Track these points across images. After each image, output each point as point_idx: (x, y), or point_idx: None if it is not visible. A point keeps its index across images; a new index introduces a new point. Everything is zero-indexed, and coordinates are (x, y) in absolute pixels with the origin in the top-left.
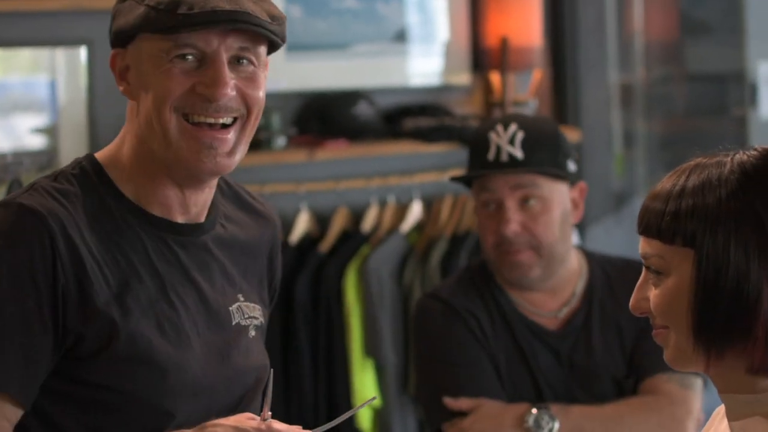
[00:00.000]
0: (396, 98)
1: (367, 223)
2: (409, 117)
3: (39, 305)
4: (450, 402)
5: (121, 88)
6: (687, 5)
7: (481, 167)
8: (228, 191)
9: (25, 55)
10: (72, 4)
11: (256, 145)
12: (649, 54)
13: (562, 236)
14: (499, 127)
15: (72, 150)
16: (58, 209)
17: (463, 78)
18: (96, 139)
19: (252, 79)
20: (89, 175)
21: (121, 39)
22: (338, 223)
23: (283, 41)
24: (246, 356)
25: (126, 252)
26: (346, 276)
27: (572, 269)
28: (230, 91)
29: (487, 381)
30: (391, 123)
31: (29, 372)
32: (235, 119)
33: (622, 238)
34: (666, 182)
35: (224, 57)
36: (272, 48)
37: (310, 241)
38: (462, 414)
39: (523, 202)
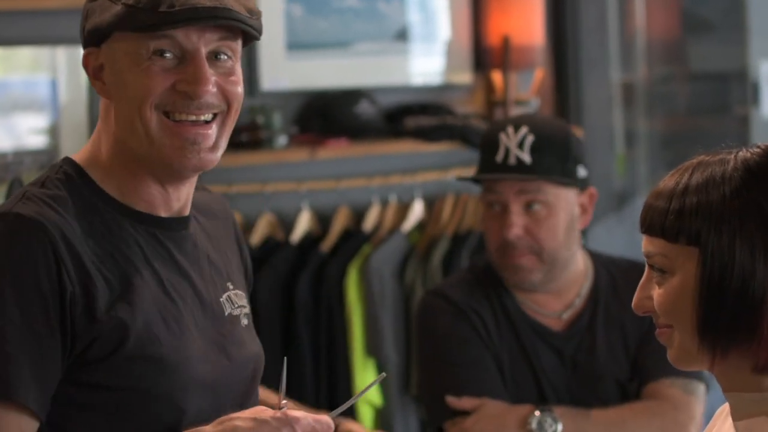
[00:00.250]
0: (397, 97)
1: (369, 223)
2: (410, 116)
3: (47, 315)
4: (452, 401)
5: (95, 88)
6: (689, 4)
7: (489, 169)
8: None
9: (25, 53)
10: (73, 3)
11: (257, 144)
12: (651, 53)
13: (566, 242)
14: (510, 129)
15: (73, 149)
16: (55, 217)
17: (465, 77)
18: None
19: (231, 74)
20: (73, 178)
21: (94, 38)
22: (340, 223)
23: (260, 35)
24: (241, 346)
25: (123, 251)
26: (348, 275)
27: (578, 271)
28: (211, 88)
29: (490, 381)
30: (393, 122)
31: (43, 383)
32: (215, 115)
33: (624, 238)
34: (669, 180)
35: (204, 53)
36: (246, 42)
37: (311, 240)
38: (464, 413)
39: (528, 206)
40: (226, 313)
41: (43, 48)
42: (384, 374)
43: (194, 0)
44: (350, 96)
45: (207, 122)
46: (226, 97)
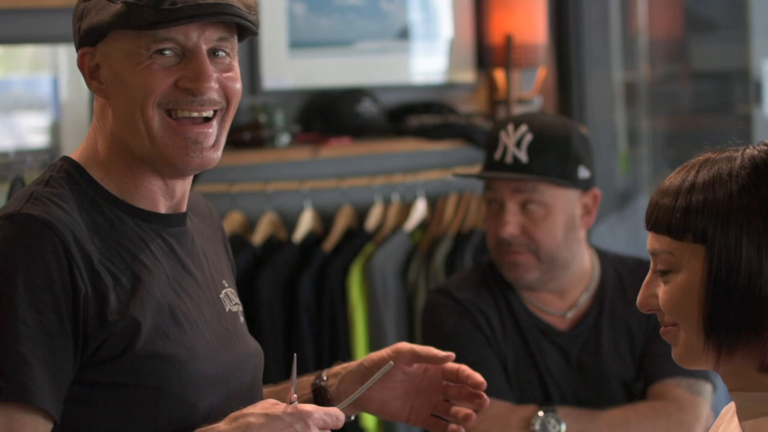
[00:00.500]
0: (400, 96)
1: (372, 222)
2: (413, 115)
3: (60, 316)
4: None
5: (91, 88)
6: (691, 2)
7: (488, 166)
8: None
9: (26, 52)
10: (75, 2)
11: (259, 143)
12: (654, 51)
13: (565, 242)
14: (510, 127)
15: (75, 147)
16: (65, 216)
17: (468, 75)
18: None
19: (229, 70)
20: (74, 176)
21: (90, 38)
22: (342, 222)
23: (258, 30)
24: (244, 342)
25: (128, 248)
26: (351, 274)
27: (584, 270)
28: (214, 84)
29: (495, 380)
30: (396, 121)
31: (57, 385)
32: (215, 112)
33: (627, 236)
34: (675, 178)
35: (204, 49)
36: (242, 38)
37: (314, 239)
38: None
39: (524, 205)
40: (227, 309)
41: (44, 46)
42: (391, 363)
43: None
44: (353, 95)
45: (207, 120)
46: (226, 94)
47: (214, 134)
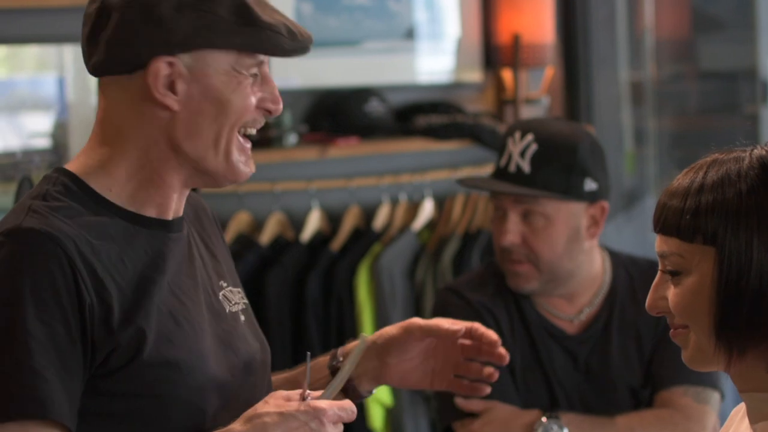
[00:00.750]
0: (407, 95)
1: (379, 221)
2: (420, 114)
3: (68, 328)
4: (461, 402)
5: (156, 96)
6: (698, 2)
7: (493, 173)
8: None
9: (31, 52)
10: (80, 1)
11: (267, 143)
12: (660, 51)
13: (568, 254)
14: (517, 135)
15: (81, 147)
16: (66, 228)
17: (475, 75)
18: None
19: None
20: (72, 189)
21: (178, 48)
22: (350, 221)
23: None
24: (245, 342)
25: (131, 257)
26: (358, 274)
27: (593, 275)
28: None
29: (501, 384)
30: (403, 120)
31: (70, 397)
32: None
33: (633, 236)
34: (683, 179)
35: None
36: None
37: (321, 239)
38: (473, 415)
39: (526, 216)
40: (227, 310)
41: (49, 46)
42: (366, 340)
43: (300, 28)
44: (360, 94)
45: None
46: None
47: None
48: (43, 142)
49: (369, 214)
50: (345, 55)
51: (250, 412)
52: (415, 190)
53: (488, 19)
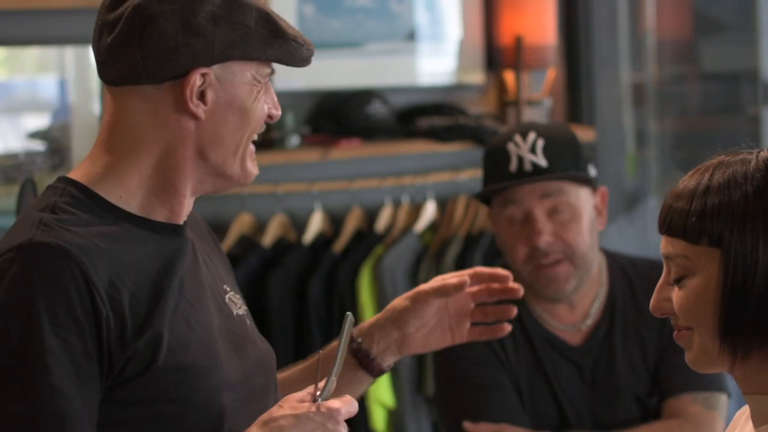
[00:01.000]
0: (410, 97)
1: (381, 223)
2: (423, 116)
3: (84, 342)
4: (470, 427)
5: (188, 108)
6: (700, 3)
7: (504, 180)
8: None
9: (34, 54)
10: (81, 3)
11: (269, 145)
12: (662, 52)
13: (591, 243)
14: (518, 138)
15: (84, 149)
16: (78, 240)
17: (477, 77)
18: None
19: None
20: (80, 199)
21: (214, 61)
22: (352, 223)
23: None
24: (255, 345)
25: (144, 263)
26: (360, 276)
27: (594, 275)
28: None
29: (509, 405)
30: (405, 122)
31: (90, 411)
32: None
33: (635, 238)
34: (689, 181)
35: None
36: None
37: (323, 240)
38: None
39: (552, 211)
40: (234, 313)
41: (51, 48)
42: (351, 318)
43: (305, 37)
44: (362, 96)
45: None
46: None
47: None
48: (46, 144)
49: (371, 215)
50: (347, 57)
51: (265, 416)
52: (417, 191)
53: (490, 21)
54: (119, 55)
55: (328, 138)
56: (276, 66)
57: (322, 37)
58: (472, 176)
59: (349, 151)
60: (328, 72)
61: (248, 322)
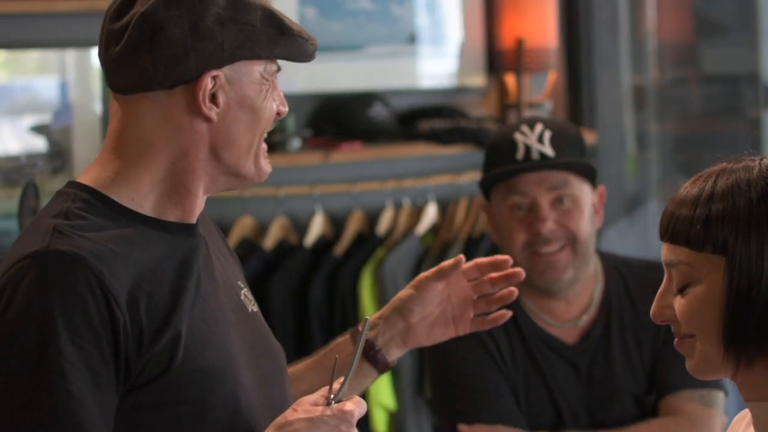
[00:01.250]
0: (411, 100)
1: (382, 226)
2: (424, 119)
3: (101, 349)
4: (465, 429)
5: (201, 111)
6: (701, 6)
7: (512, 168)
8: None
9: (34, 56)
10: (82, 6)
11: (270, 147)
12: (663, 55)
13: (591, 235)
14: (525, 128)
15: (86, 151)
16: (94, 247)
17: (478, 80)
18: None
19: None
20: (93, 203)
21: (224, 61)
22: (353, 226)
23: None
24: (270, 341)
25: (159, 265)
26: (361, 278)
27: (589, 274)
28: None
29: (505, 406)
30: (406, 125)
31: (106, 419)
32: None
33: (636, 240)
34: (691, 187)
35: None
36: None
37: (325, 243)
38: None
39: (556, 201)
40: (249, 310)
41: (52, 51)
42: (369, 320)
43: (309, 33)
44: (364, 99)
45: None
46: None
47: None
48: (48, 146)
49: (372, 218)
50: (348, 60)
51: (279, 419)
52: (418, 194)
53: (491, 24)
54: (129, 63)
55: (330, 141)
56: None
57: (323, 39)
58: (473, 179)
59: (350, 153)
60: (329, 75)
61: (262, 319)
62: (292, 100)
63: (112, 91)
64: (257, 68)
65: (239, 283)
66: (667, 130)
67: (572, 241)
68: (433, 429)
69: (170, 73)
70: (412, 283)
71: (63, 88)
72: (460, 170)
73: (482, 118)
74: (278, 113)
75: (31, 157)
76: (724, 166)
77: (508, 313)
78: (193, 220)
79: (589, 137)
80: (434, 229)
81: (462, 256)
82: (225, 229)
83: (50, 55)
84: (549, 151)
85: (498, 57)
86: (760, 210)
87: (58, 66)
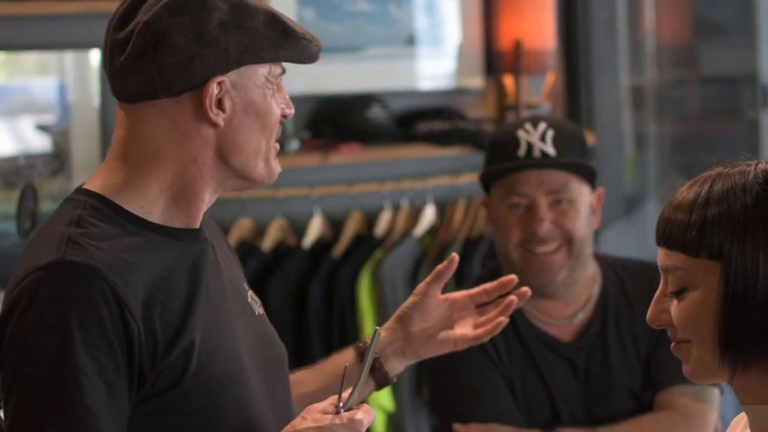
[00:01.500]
0: (409, 101)
1: (381, 227)
2: (422, 120)
3: (115, 361)
4: (460, 428)
5: (207, 117)
6: (699, 7)
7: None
8: None
9: (33, 57)
10: (81, 8)
11: None
12: (661, 56)
13: (588, 236)
14: (528, 126)
15: (84, 153)
16: (108, 257)
17: (477, 81)
18: (108, 142)
19: None
20: (103, 211)
21: (229, 67)
22: (351, 227)
23: None
24: (277, 343)
25: (171, 273)
26: (360, 280)
27: (587, 276)
28: None
29: (502, 404)
30: (405, 126)
31: (119, 429)
32: None
33: (634, 242)
34: (687, 192)
35: None
36: None
37: (323, 245)
38: None
39: (554, 203)
40: (256, 313)
41: (52, 52)
42: (380, 332)
43: (313, 34)
44: (362, 101)
45: None
46: None
47: None
48: (46, 148)
49: (371, 220)
50: (347, 62)
51: (288, 428)
52: (416, 196)
53: (489, 25)
54: (134, 72)
55: (328, 142)
56: None
57: (322, 41)
58: (472, 180)
59: (349, 155)
60: (328, 76)
61: (268, 322)
62: (291, 101)
63: (117, 101)
64: (262, 72)
65: (244, 285)
66: (665, 131)
67: (568, 241)
68: (431, 431)
69: (176, 81)
70: (415, 291)
71: (62, 89)
72: (458, 172)
73: (480, 119)
74: (284, 115)
75: (30, 159)
76: (720, 171)
77: (505, 320)
78: (197, 225)
79: (588, 138)
80: (432, 231)
81: (456, 255)
82: (224, 231)
83: (49, 57)
84: (551, 150)
85: (496, 58)
86: (756, 215)
87: (57, 68)
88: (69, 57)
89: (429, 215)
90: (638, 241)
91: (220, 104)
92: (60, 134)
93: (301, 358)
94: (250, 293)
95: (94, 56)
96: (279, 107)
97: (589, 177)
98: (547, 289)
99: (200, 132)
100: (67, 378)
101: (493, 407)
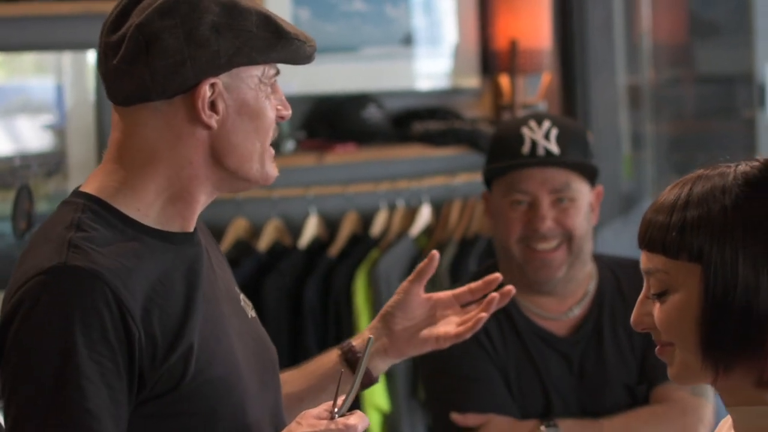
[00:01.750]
0: (405, 102)
1: (377, 227)
2: (418, 120)
3: (116, 365)
4: (458, 418)
5: (201, 120)
6: (695, 6)
7: (515, 161)
8: None
9: (29, 58)
10: (78, 9)
11: None
12: (658, 55)
13: (587, 233)
14: (533, 123)
15: (80, 154)
16: (109, 262)
17: (473, 81)
18: (104, 143)
19: None
20: (101, 214)
21: (222, 69)
22: (347, 227)
23: None
24: (269, 346)
25: (168, 277)
26: (356, 280)
27: (585, 274)
28: None
29: (497, 396)
30: (401, 126)
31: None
32: None
33: (631, 241)
34: (668, 194)
35: None
36: None
37: (319, 245)
38: (470, 429)
39: (556, 201)
40: (249, 316)
41: (48, 53)
42: (372, 338)
43: (307, 35)
44: (358, 101)
45: None
46: None
47: None
48: (42, 148)
49: (366, 220)
50: (342, 62)
51: None
52: (412, 196)
53: (485, 25)
54: (127, 74)
55: (324, 142)
56: None
57: (318, 41)
58: (467, 180)
59: (345, 155)
60: (324, 76)
61: (260, 324)
62: (287, 102)
63: (112, 104)
64: (255, 73)
65: (236, 288)
66: (662, 131)
67: (568, 238)
68: (426, 430)
69: (168, 83)
70: (397, 289)
71: (59, 90)
72: (454, 172)
73: (476, 119)
74: (281, 117)
75: (25, 159)
76: (700, 173)
77: (484, 315)
78: (192, 229)
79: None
80: (428, 231)
81: (436, 253)
82: (219, 231)
83: (46, 58)
84: (554, 148)
85: (492, 58)
86: (735, 217)
87: (54, 68)
88: (66, 57)
89: (425, 215)
90: (635, 240)
91: (213, 106)
92: (56, 135)
93: (296, 358)
94: (242, 296)
95: (92, 57)
96: (274, 109)
97: (591, 175)
98: (546, 286)
99: (194, 134)
100: (69, 381)
101: (489, 398)
